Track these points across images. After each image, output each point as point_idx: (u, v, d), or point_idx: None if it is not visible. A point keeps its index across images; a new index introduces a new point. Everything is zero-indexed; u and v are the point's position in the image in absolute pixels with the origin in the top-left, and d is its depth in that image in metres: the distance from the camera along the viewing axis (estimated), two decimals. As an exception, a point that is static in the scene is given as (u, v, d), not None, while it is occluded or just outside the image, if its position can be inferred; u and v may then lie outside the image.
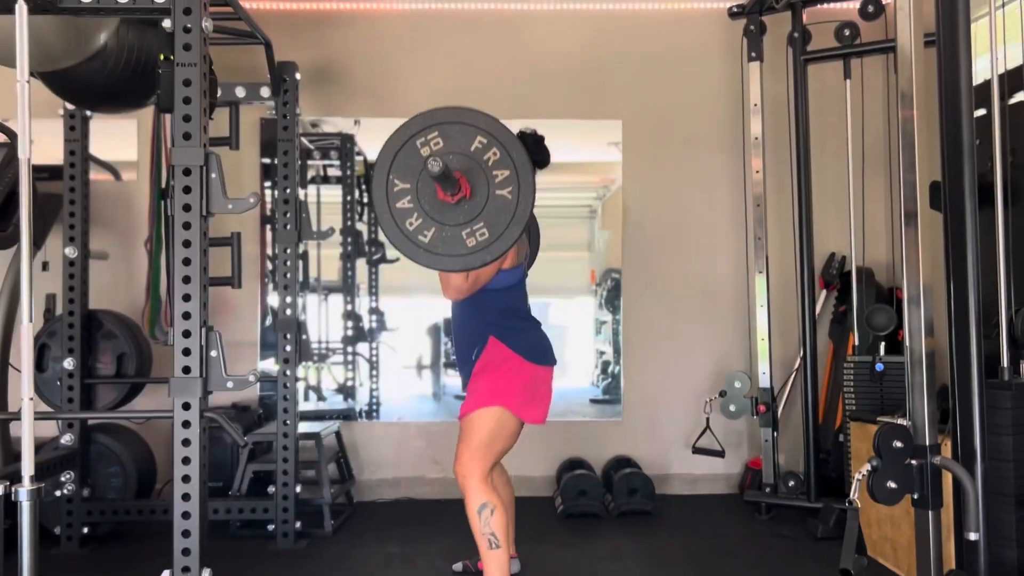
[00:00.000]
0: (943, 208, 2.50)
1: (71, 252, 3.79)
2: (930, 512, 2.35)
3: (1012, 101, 3.23)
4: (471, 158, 2.32)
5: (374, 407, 4.92)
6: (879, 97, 4.64)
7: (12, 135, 3.54)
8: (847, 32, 4.27)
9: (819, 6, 4.45)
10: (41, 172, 3.86)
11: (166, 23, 2.46)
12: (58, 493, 3.57)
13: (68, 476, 3.62)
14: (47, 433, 3.78)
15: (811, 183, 4.31)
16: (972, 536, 2.32)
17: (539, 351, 2.90)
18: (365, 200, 4.93)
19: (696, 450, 4.52)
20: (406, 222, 2.33)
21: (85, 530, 3.78)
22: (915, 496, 2.36)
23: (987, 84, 2.98)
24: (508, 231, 2.33)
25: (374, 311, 4.93)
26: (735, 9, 4.55)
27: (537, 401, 2.86)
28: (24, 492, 2.26)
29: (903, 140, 2.48)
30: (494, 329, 2.85)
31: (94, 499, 3.89)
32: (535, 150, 2.93)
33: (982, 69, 3.34)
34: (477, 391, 2.83)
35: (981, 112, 3.00)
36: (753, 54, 4.50)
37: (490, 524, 2.70)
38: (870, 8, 4.19)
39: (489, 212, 2.32)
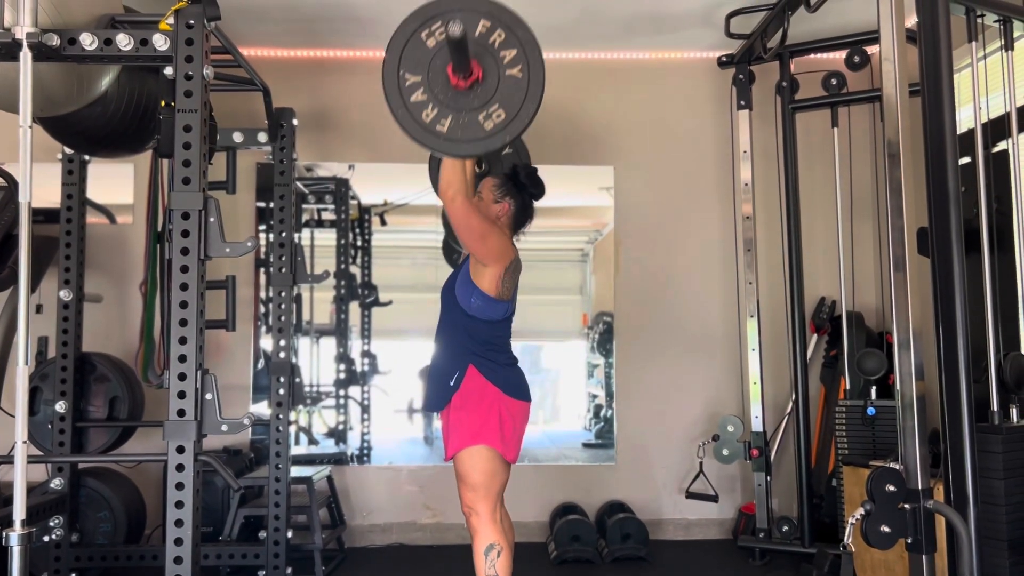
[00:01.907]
0: (931, 254, 2.54)
1: (66, 295, 3.80)
2: (924, 556, 2.35)
3: (996, 149, 3.30)
4: (477, 43, 2.31)
5: (365, 451, 4.90)
6: (866, 144, 4.73)
7: (11, 180, 3.57)
8: (834, 81, 4.36)
9: (806, 56, 4.55)
10: (37, 215, 3.87)
11: (168, 70, 2.50)
12: (46, 538, 3.53)
13: (57, 521, 3.58)
14: (36, 477, 3.75)
15: (800, 228, 4.37)
16: (966, 581, 2.32)
17: (517, 386, 2.90)
18: (359, 244, 4.96)
19: (690, 495, 4.51)
20: (422, 114, 2.31)
21: (73, 576, 3.74)
22: (909, 540, 2.36)
23: (971, 133, 3.05)
24: (524, 108, 2.31)
25: (366, 354, 4.93)
26: (724, 59, 4.64)
27: (512, 437, 2.85)
28: (15, 537, 2.24)
29: (890, 187, 2.53)
30: (475, 359, 2.84)
31: (83, 544, 3.85)
32: (529, 183, 2.98)
33: (966, 118, 3.42)
34: (460, 428, 2.81)
35: (966, 160, 3.07)
36: (742, 102, 4.58)
37: (496, 566, 2.68)
38: (856, 58, 4.29)
39: (502, 92, 2.31)
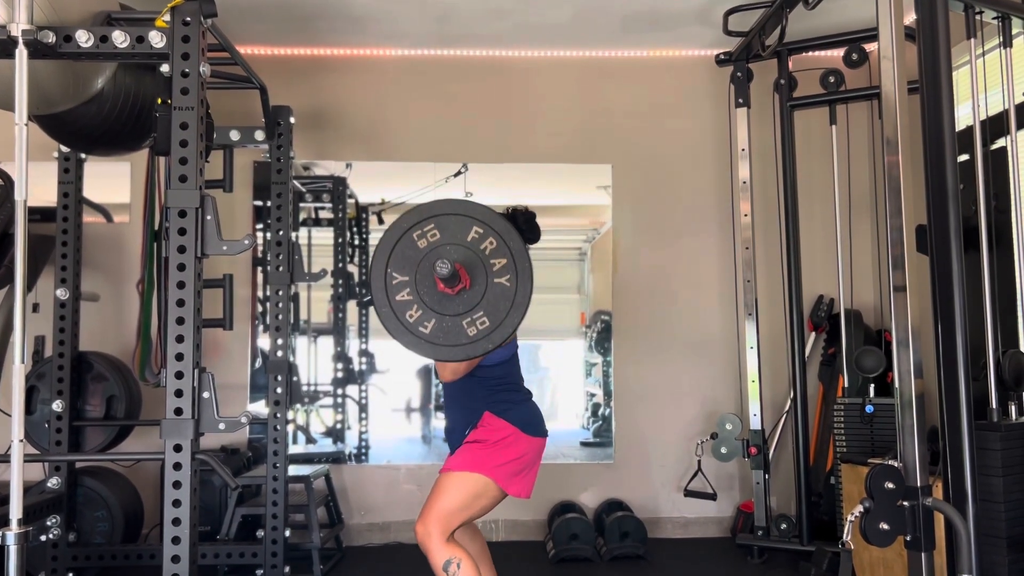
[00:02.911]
0: (929, 251, 2.54)
1: (62, 294, 3.79)
2: (923, 554, 2.35)
3: (994, 146, 3.30)
4: (468, 248, 2.34)
5: (363, 450, 4.89)
6: (864, 142, 4.73)
7: (7, 178, 3.56)
8: (832, 79, 4.36)
9: (804, 54, 4.55)
10: (33, 214, 3.86)
11: (164, 68, 2.50)
12: (43, 538, 3.51)
13: (54, 520, 3.56)
14: (33, 476, 3.74)
15: (799, 226, 4.36)
16: (965, 578, 2.31)
17: (533, 424, 2.82)
18: (357, 242, 4.96)
19: (688, 493, 4.51)
20: (406, 314, 2.33)
21: (70, 575, 3.72)
22: (908, 538, 2.36)
23: (970, 130, 3.04)
24: (508, 318, 2.33)
25: (364, 353, 4.93)
26: (722, 56, 4.64)
27: (525, 474, 2.77)
28: (12, 536, 2.24)
29: (889, 185, 2.53)
30: (489, 405, 2.78)
31: (80, 544, 3.84)
32: (526, 228, 2.89)
33: (965, 115, 3.41)
34: (467, 452, 2.73)
35: (964, 157, 3.07)
36: (740, 100, 4.58)
37: None
38: (854, 56, 4.28)
39: (488, 300, 2.33)
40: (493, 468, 2.69)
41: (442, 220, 2.35)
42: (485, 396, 2.80)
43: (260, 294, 4.84)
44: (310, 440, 4.91)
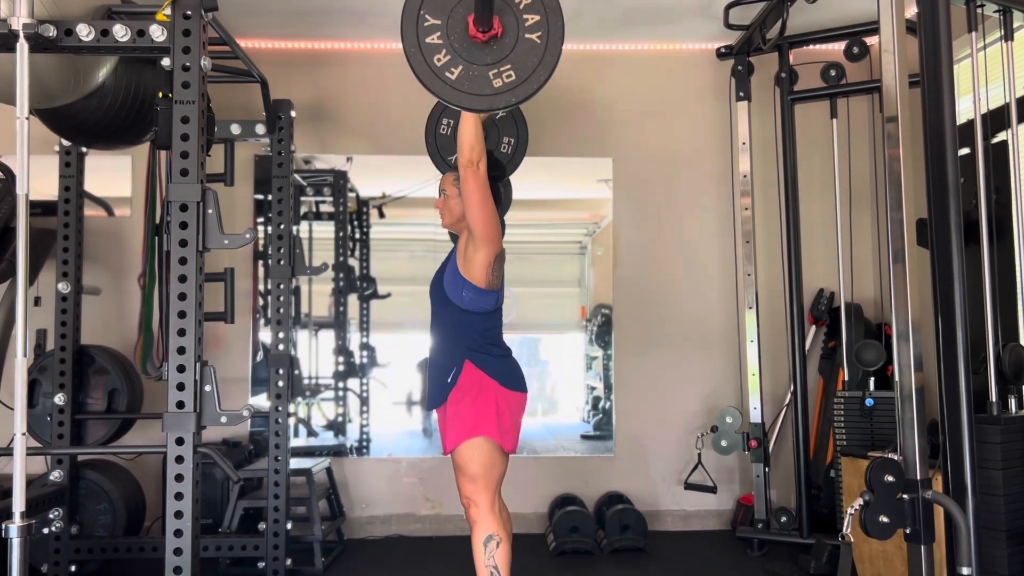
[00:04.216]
0: (930, 245, 2.54)
1: (64, 287, 3.79)
2: (922, 547, 2.36)
3: (995, 140, 3.29)
4: (503, 0, 2.31)
5: (364, 443, 4.90)
6: (865, 135, 4.73)
7: (8, 172, 3.56)
8: (833, 72, 4.35)
9: (805, 47, 4.54)
10: (34, 208, 3.85)
11: (165, 61, 2.50)
12: (46, 531, 3.53)
13: (56, 513, 3.58)
14: (36, 469, 3.75)
15: (799, 220, 4.36)
16: (965, 571, 2.32)
17: (513, 378, 2.92)
18: (357, 236, 4.96)
19: (688, 486, 4.52)
20: (434, 57, 2.30)
21: (72, 568, 3.73)
22: (907, 531, 2.37)
23: (971, 123, 3.04)
24: (535, 75, 2.31)
25: (365, 346, 4.93)
26: (723, 50, 4.63)
27: (511, 428, 2.87)
28: (15, 529, 2.25)
29: (890, 178, 2.53)
30: (471, 354, 2.86)
31: (82, 536, 3.85)
32: (490, 167, 2.90)
33: (965, 109, 3.41)
34: (458, 422, 2.82)
35: (965, 151, 3.07)
36: (741, 94, 4.57)
37: (495, 557, 2.69)
38: (855, 49, 4.28)
39: (517, 54, 2.30)
40: (486, 428, 2.79)
41: None
42: (468, 344, 2.88)
43: (261, 288, 4.84)
44: (311, 433, 4.92)
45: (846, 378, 4.31)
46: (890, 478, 2.35)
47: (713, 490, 4.51)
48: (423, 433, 4.98)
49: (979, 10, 2.98)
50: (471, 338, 2.87)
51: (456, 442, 2.80)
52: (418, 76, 2.31)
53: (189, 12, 2.46)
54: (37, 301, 3.96)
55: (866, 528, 2.33)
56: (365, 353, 4.93)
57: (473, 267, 2.82)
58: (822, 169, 4.72)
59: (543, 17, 2.32)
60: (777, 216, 4.49)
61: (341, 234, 4.95)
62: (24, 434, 2.29)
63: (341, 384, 4.93)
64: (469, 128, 2.63)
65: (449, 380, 2.87)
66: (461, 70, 2.29)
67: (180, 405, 2.40)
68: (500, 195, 3.11)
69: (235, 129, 3.96)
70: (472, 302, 2.85)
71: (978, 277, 2.90)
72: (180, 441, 2.39)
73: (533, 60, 2.32)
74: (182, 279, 2.43)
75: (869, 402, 4.05)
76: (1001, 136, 3.26)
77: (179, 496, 2.38)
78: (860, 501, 2.33)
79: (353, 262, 4.96)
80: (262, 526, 3.88)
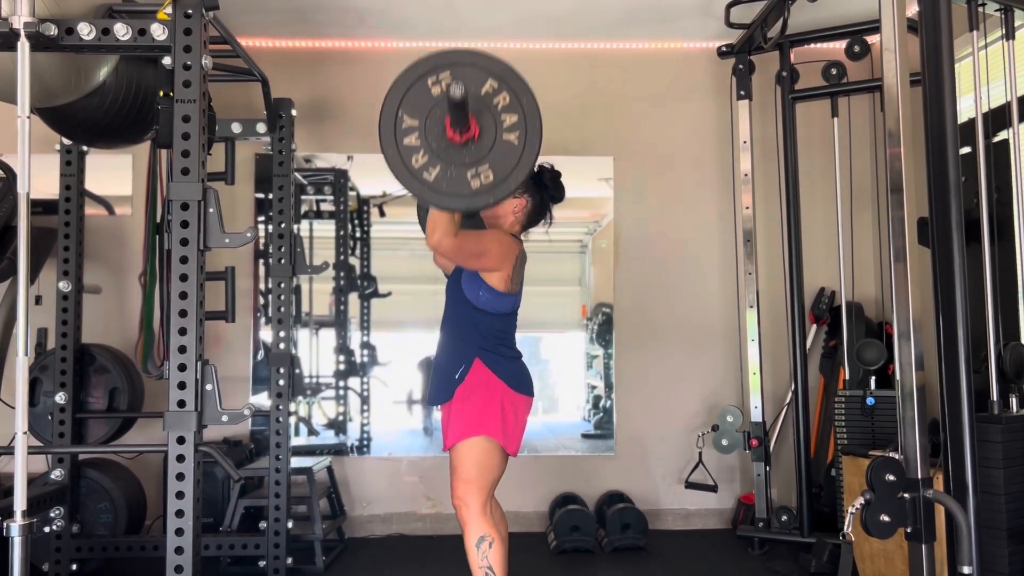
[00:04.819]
0: (931, 244, 2.54)
1: (65, 286, 3.79)
2: (923, 546, 2.36)
3: (996, 139, 3.29)
4: (481, 100, 2.31)
5: (365, 442, 4.90)
6: (866, 134, 4.73)
7: (9, 171, 3.57)
8: (834, 71, 4.35)
9: (806, 46, 4.54)
10: (35, 206, 3.85)
11: (166, 60, 2.50)
12: (47, 529, 3.52)
13: (57, 512, 3.56)
14: (37, 468, 3.75)
15: (800, 219, 4.36)
16: (966, 570, 2.32)
17: (521, 380, 2.90)
18: (358, 235, 4.96)
19: (689, 485, 4.52)
20: (412, 158, 2.30)
21: (73, 567, 3.73)
22: (908, 530, 2.36)
23: (972, 122, 3.04)
24: (512, 175, 2.31)
25: (366, 345, 4.93)
26: (724, 48, 4.63)
27: (513, 431, 2.85)
28: (16, 527, 2.25)
29: (891, 177, 2.53)
30: (481, 353, 2.83)
31: (83, 535, 3.85)
32: (552, 186, 3.00)
33: (967, 108, 3.41)
34: (461, 419, 2.80)
35: (966, 150, 3.06)
36: (742, 92, 4.57)
37: (488, 557, 2.68)
38: (856, 48, 4.28)
39: (495, 155, 2.31)
40: (489, 428, 2.77)
41: (458, 69, 2.32)
42: (480, 343, 2.85)
43: (262, 287, 4.84)
44: (312, 432, 4.92)
45: (847, 377, 4.31)
46: (891, 477, 2.35)
47: (714, 489, 4.51)
48: (424, 432, 4.99)
49: (980, 9, 2.98)
50: (483, 337, 2.85)
51: (456, 439, 2.78)
52: (397, 177, 2.32)
53: (190, 11, 2.46)
54: (38, 300, 3.97)
55: (867, 527, 2.33)
56: (366, 352, 4.93)
57: (491, 278, 2.83)
58: (823, 168, 4.72)
59: (521, 118, 2.33)
60: (778, 215, 4.49)
61: (342, 233, 4.95)
62: (25, 433, 2.29)
63: (342, 383, 4.93)
64: (443, 220, 2.62)
65: (456, 376, 2.85)
66: (439, 171, 2.31)
67: (181, 404, 2.41)
68: (545, 215, 3.11)
69: (236, 128, 3.96)
70: (488, 303, 2.84)
71: (979, 276, 2.90)
72: (181, 440, 2.40)
73: (511, 160, 2.32)
74: (183, 278, 2.43)
75: (870, 401, 4.05)
76: (1002, 135, 3.26)
77: (180, 495, 2.38)
78: (861, 500, 2.33)
79: (354, 261, 4.96)
80: (263, 525, 3.88)
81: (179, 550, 2.37)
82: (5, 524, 2.25)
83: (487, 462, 2.78)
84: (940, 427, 2.50)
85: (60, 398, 3.74)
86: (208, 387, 2.45)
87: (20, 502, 2.27)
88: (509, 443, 2.81)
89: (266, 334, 4.78)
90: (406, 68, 2.35)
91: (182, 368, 2.41)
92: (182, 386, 2.41)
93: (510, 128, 2.32)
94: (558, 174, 3.01)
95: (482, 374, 2.82)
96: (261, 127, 3.96)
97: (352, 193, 4.95)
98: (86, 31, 2.43)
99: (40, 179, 3.23)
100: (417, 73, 2.33)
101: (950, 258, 2.49)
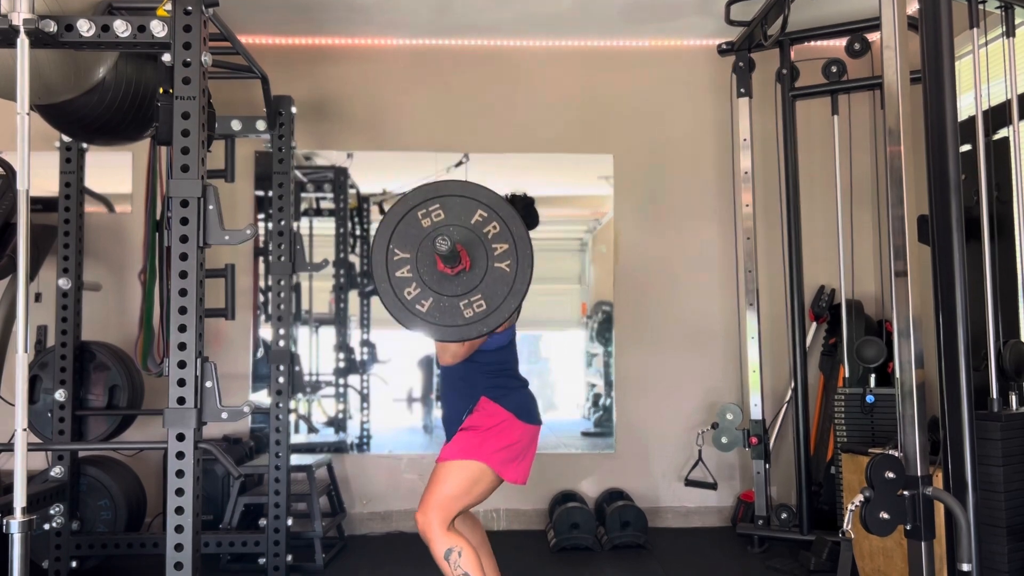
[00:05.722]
0: (931, 242, 2.54)
1: (65, 283, 3.79)
2: (923, 543, 2.36)
3: (996, 137, 3.29)
4: (471, 231, 2.36)
5: (365, 439, 4.91)
6: (866, 132, 4.72)
7: (9, 168, 3.56)
8: (834, 69, 4.35)
9: (806, 44, 4.54)
10: (35, 204, 3.88)
11: (166, 57, 2.49)
12: (47, 526, 3.54)
13: (57, 509, 3.59)
14: (37, 465, 3.75)
15: (800, 216, 4.36)
16: (965, 567, 2.32)
17: (529, 410, 2.86)
18: (358, 232, 4.96)
19: (689, 482, 4.52)
20: (404, 291, 2.35)
21: (73, 564, 3.74)
22: (908, 527, 2.36)
23: (972, 120, 3.04)
24: (505, 303, 2.35)
25: (365, 343, 4.93)
26: (724, 46, 4.63)
27: (520, 460, 2.81)
28: (16, 524, 2.24)
29: (891, 175, 2.52)
30: (487, 391, 2.81)
31: (83, 532, 3.86)
32: (524, 214, 2.91)
33: (967, 105, 3.41)
34: (462, 440, 2.76)
35: (966, 148, 3.06)
36: (742, 90, 4.57)
37: (461, 566, 2.63)
38: (856, 46, 4.27)
39: (487, 284, 2.35)
40: (488, 454, 2.72)
41: (448, 201, 2.37)
42: (482, 381, 2.82)
43: (262, 284, 4.84)
44: (312, 430, 4.92)
45: (847, 375, 4.31)
46: (890, 475, 2.35)
47: (713, 487, 4.51)
48: (424, 430, 4.99)
49: (981, 6, 2.98)
50: (486, 376, 2.83)
51: (451, 456, 2.74)
52: (389, 310, 2.36)
53: (190, 8, 2.45)
54: (38, 297, 3.97)
55: (866, 524, 2.33)
56: (366, 350, 4.93)
57: None
58: (823, 165, 4.72)
59: (511, 246, 2.36)
60: (778, 213, 4.49)
61: (342, 230, 4.95)
62: (25, 430, 2.28)
63: (342, 381, 4.93)
64: (453, 346, 2.69)
65: (463, 416, 2.83)
66: (431, 302, 2.35)
67: (181, 401, 2.40)
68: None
69: (236, 125, 3.95)
70: (488, 343, 2.80)
71: (979, 274, 2.90)
72: (181, 437, 2.39)
73: (503, 289, 2.36)
74: (183, 275, 2.43)
75: (870, 399, 4.05)
76: (1002, 133, 3.26)
77: (180, 492, 2.38)
78: (860, 497, 2.33)
79: (354, 258, 4.96)
80: (263, 522, 3.89)
81: (179, 547, 2.36)
82: (5, 521, 2.24)
83: (471, 489, 2.72)
84: (940, 425, 2.50)
85: (60, 395, 3.74)
86: (208, 384, 2.44)
87: (20, 499, 2.26)
88: (513, 472, 2.77)
89: (266, 331, 4.78)
90: (395, 202, 2.38)
91: (182, 365, 2.41)
92: (182, 383, 2.41)
93: (501, 256, 2.36)
94: (531, 201, 2.97)
95: (489, 407, 2.79)
96: (261, 124, 3.95)
97: (352, 191, 4.94)
98: (85, 28, 2.42)
99: (40, 176, 3.23)
100: (407, 207, 2.37)
101: (950, 256, 2.49)
